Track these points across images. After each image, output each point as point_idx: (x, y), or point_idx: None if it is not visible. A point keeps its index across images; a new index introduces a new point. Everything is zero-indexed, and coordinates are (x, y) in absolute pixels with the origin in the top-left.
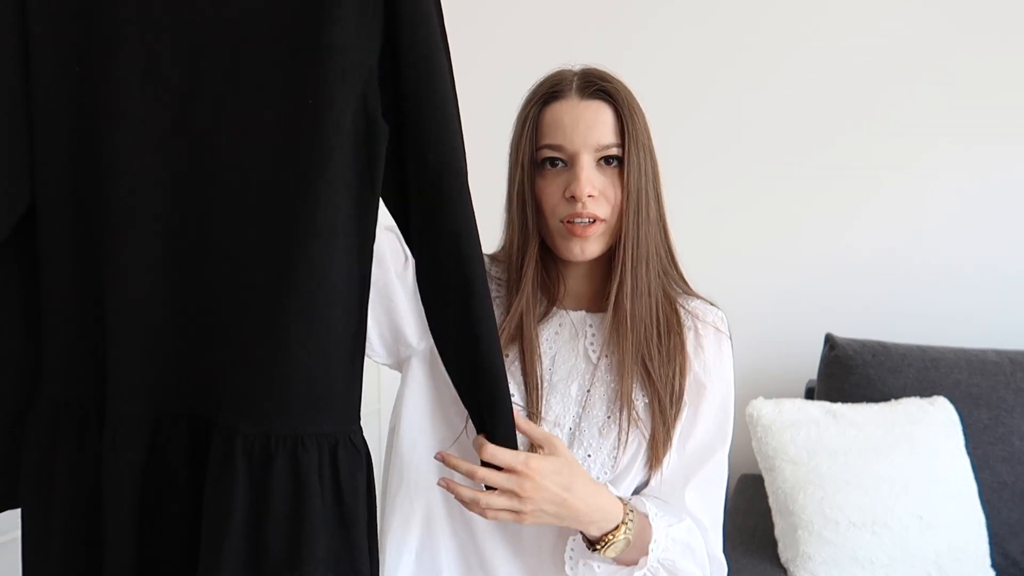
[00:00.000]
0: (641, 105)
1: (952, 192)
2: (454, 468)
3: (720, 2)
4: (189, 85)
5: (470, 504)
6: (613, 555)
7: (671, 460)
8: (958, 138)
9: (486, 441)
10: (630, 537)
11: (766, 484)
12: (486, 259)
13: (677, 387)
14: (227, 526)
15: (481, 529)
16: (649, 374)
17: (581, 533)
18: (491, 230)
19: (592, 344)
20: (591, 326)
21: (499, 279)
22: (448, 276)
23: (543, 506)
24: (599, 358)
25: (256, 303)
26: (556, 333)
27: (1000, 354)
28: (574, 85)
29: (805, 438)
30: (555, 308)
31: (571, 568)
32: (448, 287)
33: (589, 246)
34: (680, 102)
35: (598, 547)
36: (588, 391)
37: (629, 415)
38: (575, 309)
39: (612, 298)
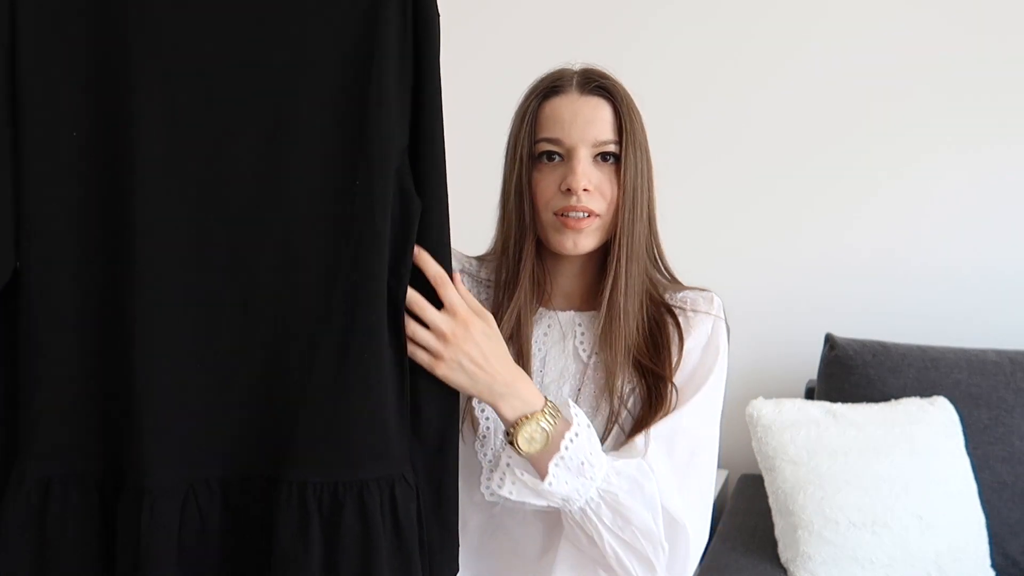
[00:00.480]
0: (640, 105)
1: (952, 192)
2: (421, 266)
3: (720, 3)
4: (220, 159)
5: None
6: (528, 448)
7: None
8: (958, 139)
9: (448, 280)
10: (548, 430)
11: (766, 484)
12: (473, 261)
13: (662, 374)
14: (302, 571)
15: (481, 538)
16: (640, 369)
17: (507, 436)
18: (490, 231)
19: (582, 343)
20: (580, 325)
21: (487, 281)
22: None
23: (461, 358)
24: (590, 356)
25: (317, 365)
26: (545, 334)
27: (1000, 354)
28: (575, 81)
29: (805, 438)
30: (542, 309)
31: (499, 481)
32: None
33: (582, 240)
34: (681, 102)
35: (512, 432)
36: (579, 390)
37: (612, 408)
38: (564, 309)
39: (607, 295)
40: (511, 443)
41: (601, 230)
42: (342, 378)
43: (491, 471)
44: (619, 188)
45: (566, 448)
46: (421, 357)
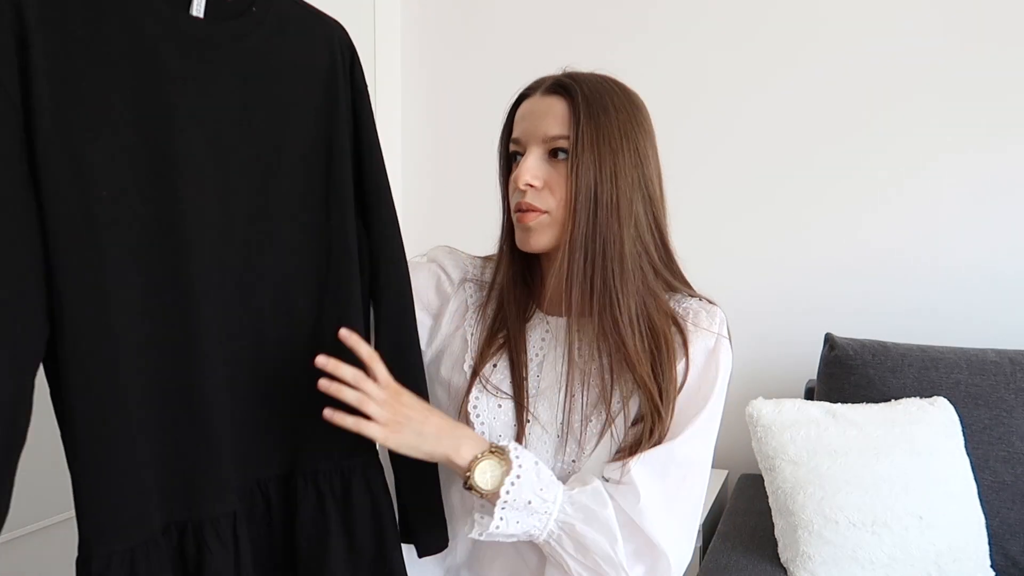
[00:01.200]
0: (632, 103)
1: (952, 193)
2: (335, 372)
3: (723, 2)
4: (225, 216)
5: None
6: (487, 486)
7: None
8: (958, 140)
9: (378, 358)
10: (500, 468)
11: (766, 484)
12: (478, 262)
13: (663, 390)
14: (327, 551)
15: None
16: (639, 382)
17: (465, 483)
18: (492, 232)
19: (579, 350)
20: (578, 332)
21: (489, 284)
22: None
23: (405, 418)
24: (586, 363)
25: (317, 371)
26: (542, 339)
27: (1000, 354)
28: (544, 84)
29: (805, 438)
30: (539, 313)
31: (470, 527)
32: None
33: (533, 237)
34: (682, 102)
35: (468, 475)
36: (573, 396)
37: (608, 421)
38: (561, 315)
39: (566, 296)
40: (469, 488)
41: (555, 227)
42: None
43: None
44: (569, 184)
45: (507, 492)
46: (371, 429)
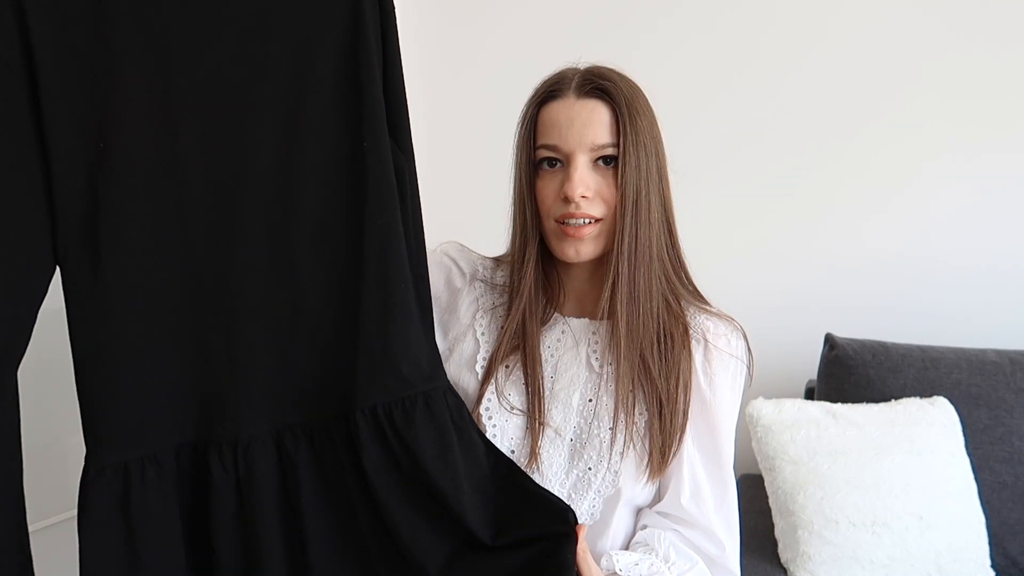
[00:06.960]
0: (648, 101)
1: (952, 193)
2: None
3: (730, 5)
4: (243, 146)
5: None
6: None
7: (687, 480)
8: (959, 140)
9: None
10: None
11: (766, 484)
12: (488, 263)
13: (680, 400)
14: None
15: None
16: (650, 384)
17: None
18: (494, 231)
19: (595, 352)
20: (594, 333)
21: (504, 287)
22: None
23: None
24: (602, 367)
25: (364, 310)
26: (558, 340)
27: (1000, 354)
28: (573, 84)
29: (805, 438)
30: (556, 315)
31: None
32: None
33: (583, 247)
34: (685, 103)
35: None
36: (590, 401)
37: (629, 427)
38: (578, 316)
39: (607, 303)
40: None
41: (605, 235)
42: (384, 316)
43: None
44: (618, 191)
45: None
46: None
